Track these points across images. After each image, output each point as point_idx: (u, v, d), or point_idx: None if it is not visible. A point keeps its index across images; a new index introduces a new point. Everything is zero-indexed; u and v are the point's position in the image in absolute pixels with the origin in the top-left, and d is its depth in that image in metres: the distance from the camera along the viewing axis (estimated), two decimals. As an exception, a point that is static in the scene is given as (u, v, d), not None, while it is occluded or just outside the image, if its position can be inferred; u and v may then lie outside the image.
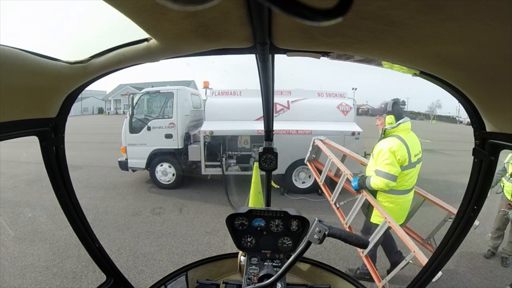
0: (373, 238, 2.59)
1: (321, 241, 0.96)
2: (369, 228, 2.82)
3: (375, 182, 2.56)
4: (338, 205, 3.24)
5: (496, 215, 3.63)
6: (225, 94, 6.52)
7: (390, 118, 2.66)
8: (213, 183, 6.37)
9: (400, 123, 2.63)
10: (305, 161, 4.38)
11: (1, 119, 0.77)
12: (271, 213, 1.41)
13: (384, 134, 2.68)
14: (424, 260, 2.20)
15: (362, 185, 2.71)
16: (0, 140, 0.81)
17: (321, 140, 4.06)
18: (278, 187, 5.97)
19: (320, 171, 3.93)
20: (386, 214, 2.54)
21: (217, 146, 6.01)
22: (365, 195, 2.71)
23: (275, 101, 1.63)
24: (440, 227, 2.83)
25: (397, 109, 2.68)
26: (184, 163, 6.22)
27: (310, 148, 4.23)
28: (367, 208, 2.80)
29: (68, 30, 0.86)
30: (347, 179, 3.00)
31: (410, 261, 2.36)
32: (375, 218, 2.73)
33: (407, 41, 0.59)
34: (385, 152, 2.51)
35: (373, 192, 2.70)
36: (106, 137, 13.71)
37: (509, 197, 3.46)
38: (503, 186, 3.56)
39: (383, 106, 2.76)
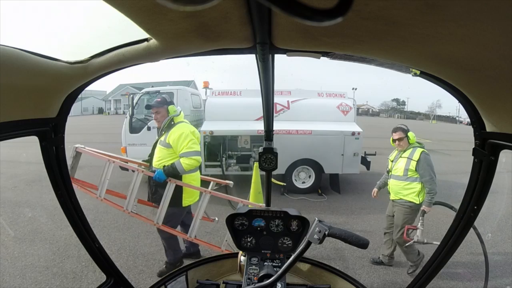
0: (199, 213, 2.95)
1: (321, 241, 0.96)
2: (172, 213, 2.98)
3: (187, 162, 2.84)
4: (134, 211, 3.09)
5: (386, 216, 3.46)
6: (225, 94, 6.52)
7: (173, 108, 3.04)
8: (213, 183, 6.36)
9: (181, 110, 3.12)
10: (71, 176, 3.51)
11: (1, 119, 0.77)
12: (271, 213, 1.41)
13: (174, 122, 3.02)
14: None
15: (173, 172, 2.88)
16: (0, 140, 0.81)
17: (82, 147, 3.45)
18: (284, 184, 5.92)
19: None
20: (201, 188, 3.03)
21: (217, 146, 6.01)
22: (174, 182, 2.90)
23: (275, 101, 1.63)
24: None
25: (172, 101, 3.17)
26: (184, 163, 6.22)
27: (72, 160, 3.42)
28: (175, 198, 2.95)
29: (68, 30, 0.86)
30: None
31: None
32: (187, 200, 3.03)
33: (407, 41, 0.59)
34: (186, 135, 2.89)
35: (178, 178, 2.96)
36: (106, 137, 13.69)
37: (392, 196, 3.31)
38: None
39: (159, 99, 3.07)
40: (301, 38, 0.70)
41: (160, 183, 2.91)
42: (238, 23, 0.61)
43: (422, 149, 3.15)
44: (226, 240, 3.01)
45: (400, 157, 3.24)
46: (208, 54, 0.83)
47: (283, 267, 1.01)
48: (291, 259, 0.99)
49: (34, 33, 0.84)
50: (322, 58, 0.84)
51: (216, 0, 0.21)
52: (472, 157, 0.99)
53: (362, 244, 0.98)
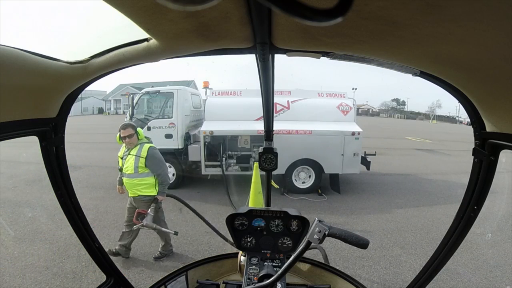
0: None
1: (321, 241, 0.96)
2: None
3: None
4: None
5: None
6: (225, 94, 6.53)
7: None
8: (213, 183, 6.36)
9: None
10: None
11: (1, 119, 0.77)
12: (271, 213, 1.41)
13: None
14: None
15: None
16: (0, 140, 0.81)
17: None
18: (278, 186, 5.99)
19: None
20: None
21: (217, 146, 6.01)
22: None
23: (275, 101, 1.63)
24: None
25: None
26: (184, 163, 6.22)
27: None
28: None
29: (68, 30, 0.86)
30: None
31: None
32: None
33: (407, 41, 0.59)
34: None
35: None
36: (106, 137, 13.70)
37: (130, 193, 3.26)
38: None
39: None
40: (301, 38, 0.70)
41: None
42: (238, 23, 0.61)
43: (149, 145, 3.19)
44: None
45: (129, 154, 3.21)
46: (208, 54, 0.83)
47: (283, 267, 1.01)
48: (291, 259, 0.99)
49: (34, 33, 0.84)
50: (322, 58, 0.84)
51: (216, 0, 0.21)
52: (472, 157, 0.98)
53: (362, 244, 0.98)
